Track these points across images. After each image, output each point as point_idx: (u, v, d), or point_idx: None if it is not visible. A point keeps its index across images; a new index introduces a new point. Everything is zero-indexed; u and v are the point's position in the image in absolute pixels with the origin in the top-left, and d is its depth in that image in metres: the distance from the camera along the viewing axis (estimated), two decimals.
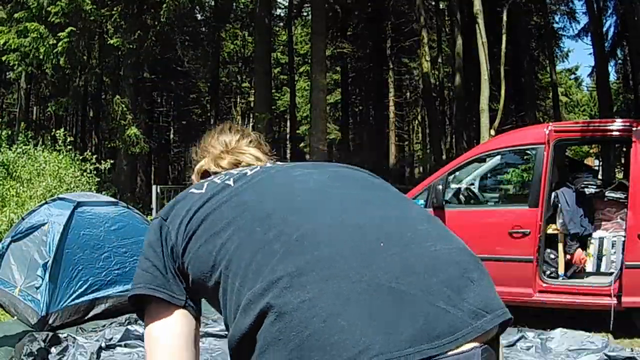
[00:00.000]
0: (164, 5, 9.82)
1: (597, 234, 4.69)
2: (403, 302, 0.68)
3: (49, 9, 9.35)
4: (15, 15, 9.80)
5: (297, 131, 22.72)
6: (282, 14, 20.73)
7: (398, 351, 0.64)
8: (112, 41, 10.13)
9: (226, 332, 0.82)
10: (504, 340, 3.76)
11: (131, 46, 10.22)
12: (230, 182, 0.95)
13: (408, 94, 21.93)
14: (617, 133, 4.67)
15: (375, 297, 0.68)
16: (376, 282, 0.70)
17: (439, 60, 18.06)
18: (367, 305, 0.68)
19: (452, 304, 0.71)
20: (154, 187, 8.75)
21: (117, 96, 10.83)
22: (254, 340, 0.71)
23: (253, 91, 16.49)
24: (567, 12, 17.91)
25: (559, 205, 4.78)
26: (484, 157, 5.29)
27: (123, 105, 10.55)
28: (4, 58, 9.92)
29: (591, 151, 16.33)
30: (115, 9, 10.14)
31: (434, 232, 0.83)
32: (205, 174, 1.17)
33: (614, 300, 4.17)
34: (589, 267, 4.70)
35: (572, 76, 31.72)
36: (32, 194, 7.22)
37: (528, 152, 5.34)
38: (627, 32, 14.57)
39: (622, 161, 10.25)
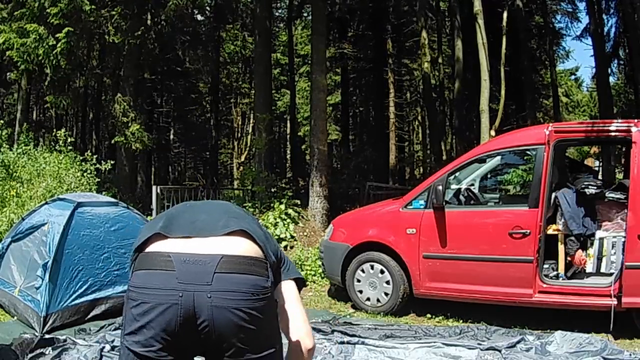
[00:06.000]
0: (168, 4, 9.82)
1: (597, 235, 4.69)
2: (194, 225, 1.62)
3: (48, 10, 9.34)
4: (16, 13, 9.79)
5: (298, 132, 22.72)
6: (282, 15, 20.74)
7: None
8: (114, 38, 10.11)
9: None
10: (504, 342, 3.77)
11: (133, 42, 10.17)
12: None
13: (408, 94, 21.90)
14: (617, 134, 4.66)
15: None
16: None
17: (439, 61, 18.04)
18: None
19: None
20: (154, 187, 8.74)
21: (119, 94, 10.83)
22: None
23: (253, 92, 16.46)
24: (568, 12, 17.90)
25: (560, 206, 4.77)
26: (484, 157, 5.29)
27: (124, 103, 10.54)
28: (7, 53, 9.90)
29: (591, 152, 16.32)
30: (115, 9, 10.13)
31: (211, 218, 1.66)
32: None
33: (614, 301, 4.18)
34: (589, 268, 4.70)
35: (573, 77, 31.70)
36: (32, 194, 7.21)
37: (528, 152, 5.35)
38: (627, 32, 14.56)
39: (622, 162, 10.24)
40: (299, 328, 1.69)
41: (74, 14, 9.45)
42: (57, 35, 9.32)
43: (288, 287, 1.77)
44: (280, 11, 20.61)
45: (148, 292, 1.47)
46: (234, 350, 1.48)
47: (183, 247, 1.52)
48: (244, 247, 1.55)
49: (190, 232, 1.57)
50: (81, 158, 8.35)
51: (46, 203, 5.36)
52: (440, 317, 5.05)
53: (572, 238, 4.75)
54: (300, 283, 1.84)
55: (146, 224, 1.74)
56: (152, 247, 1.55)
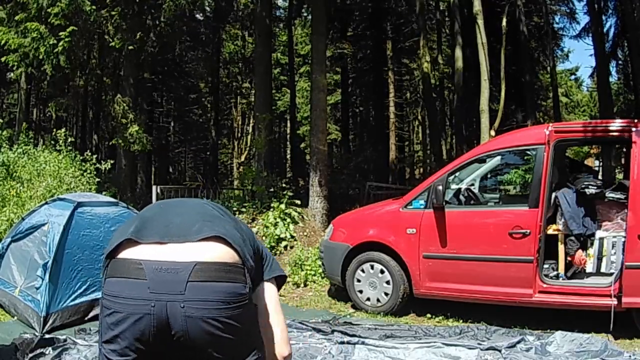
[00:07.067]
0: (165, 6, 9.81)
1: (597, 235, 4.69)
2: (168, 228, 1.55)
3: (49, 10, 9.34)
4: (17, 18, 9.81)
5: (298, 131, 22.72)
6: (282, 15, 20.75)
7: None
8: (113, 43, 10.12)
9: None
10: (504, 342, 3.77)
11: (132, 47, 10.19)
12: None
13: (408, 94, 21.91)
14: (617, 133, 4.67)
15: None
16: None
17: (439, 60, 18.04)
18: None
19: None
20: (154, 187, 8.76)
21: (119, 95, 10.83)
22: None
23: (253, 91, 16.48)
24: (567, 12, 17.92)
25: (560, 206, 4.78)
26: (484, 157, 5.29)
27: (124, 104, 10.54)
28: (3, 59, 9.92)
29: (591, 152, 16.31)
30: (115, 9, 10.13)
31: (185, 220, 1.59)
32: None
33: (614, 301, 4.18)
34: (589, 268, 4.70)
35: (573, 77, 31.72)
36: (32, 194, 7.20)
37: (528, 152, 5.35)
38: (627, 32, 14.56)
39: (622, 162, 10.25)
40: (275, 334, 1.66)
41: (75, 15, 9.45)
42: (60, 34, 9.32)
43: (268, 290, 1.71)
44: (280, 11, 20.61)
45: (120, 302, 1.42)
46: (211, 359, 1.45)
47: (155, 254, 1.46)
48: (219, 253, 1.48)
49: (162, 238, 1.50)
50: (81, 158, 8.35)
51: (46, 203, 5.36)
52: (440, 317, 5.05)
53: (572, 238, 4.75)
54: (282, 280, 1.79)
55: (119, 228, 1.66)
56: (124, 254, 1.49)
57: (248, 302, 1.49)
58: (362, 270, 5.33)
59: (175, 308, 1.39)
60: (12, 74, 17.68)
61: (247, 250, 1.56)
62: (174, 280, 1.41)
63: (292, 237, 8.17)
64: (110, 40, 10.20)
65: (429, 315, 5.11)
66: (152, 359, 1.47)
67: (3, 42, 9.59)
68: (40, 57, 9.45)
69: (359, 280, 5.36)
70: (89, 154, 8.47)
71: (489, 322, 4.60)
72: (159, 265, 1.43)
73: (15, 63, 9.82)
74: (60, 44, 9.33)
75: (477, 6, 9.58)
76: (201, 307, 1.40)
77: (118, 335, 1.43)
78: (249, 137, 22.32)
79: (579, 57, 58.92)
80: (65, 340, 3.82)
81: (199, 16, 17.71)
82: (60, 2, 9.29)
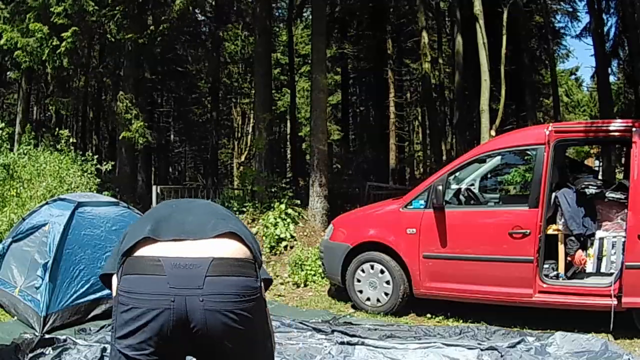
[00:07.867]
0: (176, 3, 9.86)
1: (597, 235, 4.69)
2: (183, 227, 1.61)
3: (52, 9, 9.37)
4: (18, 16, 9.86)
5: (298, 132, 22.71)
6: (282, 15, 20.73)
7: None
8: (119, 36, 10.15)
9: None
10: (504, 342, 3.77)
11: (140, 40, 10.18)
12: None
13: (408, 94, 21.89)
14: (617, 133, 4.67)
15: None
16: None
17: (440, 60, 18.03)
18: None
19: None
20: (154, 187, 8.77)
21: (121, 92, 10.87)
22: None
23: (253, 92, 16.47)
24: (568, 12, 17.89)
25: (560, 206, 4.78)
26: (484, 157, 5.29)
27: (127, 101, 10.58)
28: (15, 54, 9.95)
29: (591, 152, 16.32)
30: (117, 8, 10.14)
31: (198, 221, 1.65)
32: None
33: (614, 301, 4.18)
34: (589, 268, 4.70)
35: (573, 76, 31.63)
36: (33, 194, 7.21)
37: (528, 152, 5.35)
38: (627, 32, 14.55)
39: (622, 162, 10.24)
40: None
41: (78, 15, 9.48)
42: (62, 34, 9.35)
43: None
44: (280, 11, 20.59)
45: (139, 297, 1.46)
46: (225, 351, 1.50)
47: (173, 250, 1.51)
48: (234, 249, 1.55)
49: (179, 235, 1.56)
50: (82, 158, 8.36)
51: (46, 203, 5.37)
52: (440, 317, 5.05)
53: (572, 238, 4.75)
54: (268, 283, 1.84)
55: (131, 226, 1.71)
56: (142, 251, 1.53)
57: (259, 295, 1.56)
58: (362, 270, 5.33)
59: (194, 302, 1.45)
60: (12, 74, 17.67)
61: (257, 247, 1.64)
62: (192, 275, 1.46)
63: (292, 237, 8.17)
64: (115, 35, 10.22)
65: (429, 315, 5.11)
66: (168, 352, 1.51)
67: (6, 39, 9.61)
68: (44, 57, 9.49)
69: (359, 280, 5.36)
70: (90, 154, 8.48)
71: (489, 322, 4.60)
72: (177, 262, 1.48)
73: (24, 59, 9.84)
74: (63, 44, 9.36)
75: (477, 6, 9.57)
76: (219, 301, 1.46)
77: (136, 330, 1.47)
78: (249, 137, 22.30)
79: (579, 56, 58.90)
80: (65, 340, 3.82)
81: (199, 16, 17.71)
82: (64, 1, 9.33)
